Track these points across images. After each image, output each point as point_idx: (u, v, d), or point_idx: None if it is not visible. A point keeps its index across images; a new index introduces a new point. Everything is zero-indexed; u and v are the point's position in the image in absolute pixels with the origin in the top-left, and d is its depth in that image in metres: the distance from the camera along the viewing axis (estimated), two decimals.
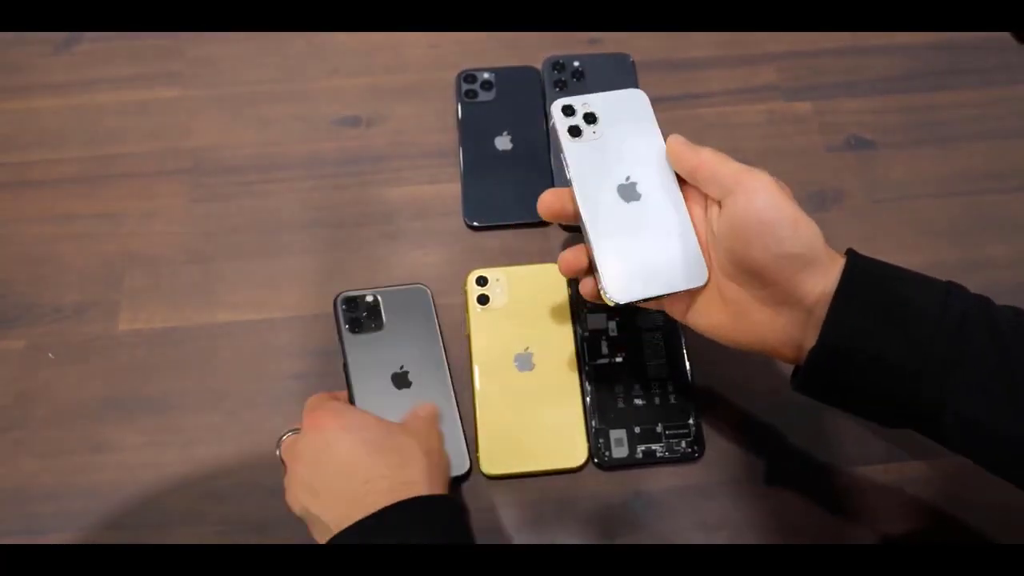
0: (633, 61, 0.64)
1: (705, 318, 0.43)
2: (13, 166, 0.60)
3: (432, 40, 0.65)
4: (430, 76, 0.64)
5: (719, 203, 0.41)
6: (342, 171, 0.60)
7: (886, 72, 0.65)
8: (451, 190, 0.59)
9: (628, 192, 0.44)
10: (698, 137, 0.61)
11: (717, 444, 0.52)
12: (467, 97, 0.62)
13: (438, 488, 0.44)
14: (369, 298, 0.53)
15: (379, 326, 0.53)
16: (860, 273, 0.38)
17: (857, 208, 0.60)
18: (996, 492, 0.42)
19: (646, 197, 0.44)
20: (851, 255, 0.39)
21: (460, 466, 0.50)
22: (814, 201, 0.60)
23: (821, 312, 0.38)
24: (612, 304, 0.42)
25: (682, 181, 0.44)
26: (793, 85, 0.64)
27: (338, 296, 0.54)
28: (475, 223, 0.58)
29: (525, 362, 0.53)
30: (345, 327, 0.53)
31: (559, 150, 0.45)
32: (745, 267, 0.40)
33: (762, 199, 0.39)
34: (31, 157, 0.60)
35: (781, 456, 0.52)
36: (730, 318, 0.42)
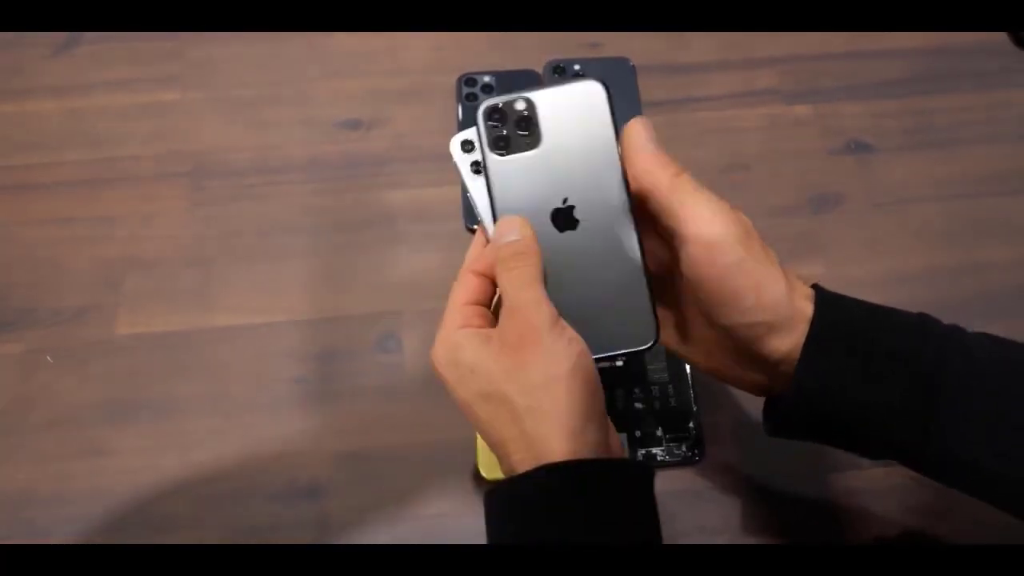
0: (633, 65, 0.64)
1: (680, 347, 0.41)
2: (12, 169, 0.60)
3: (433, 43, 0.65)
4: (431, 79, 0.64)
5: (674, 238, 0.37)
6: (343, 174, 0.60)
7: (886, 76, 0.65)
8: (452, 194, 0.59)
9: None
10: (699, 141, 0.62)
11: (717, 447, 0.52)
12: (468, 100, 0.62)
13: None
14: (520, 105, 0.37)
15: (534, 143, 0.37)
16: (826, 324, 0.36)
17: (857, 212, 0.60)
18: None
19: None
20: (818, 300, 0.37)
21: (641, 337, 0.37)
22: (814, 205, 0.60)
23: (787, 368, 0.37)
24: None
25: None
26: (793, 89, 0.64)
27: (481, 105, 0.38)
28: (476, 227, 0.58)
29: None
30: (487, 146, 0.37)
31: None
32: (708, 320, 0.38)
33: (722, 262, 0.35)
34: (30, 160, 0.60)
35: (781, 459, 0.52)
36: (698, 352, 0.40)
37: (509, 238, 0.36)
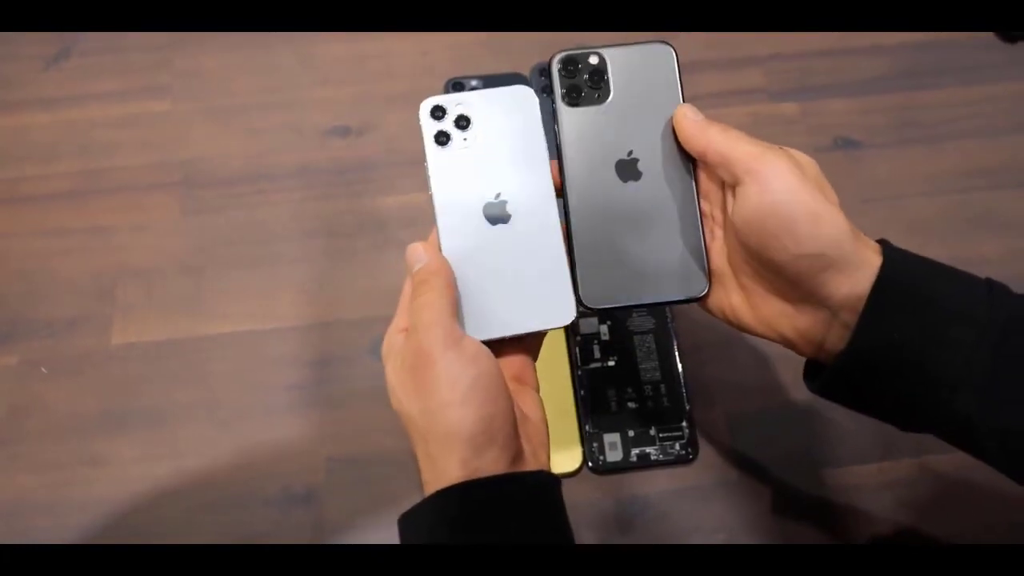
0: None
1: (717, 300, 0.39)
2: (4, 182, 0.60)
3: (419, 48, 0.66)
4: (419, 84, 0.64)
5: (732, 188, 0.37)
6: (333, 181, 0.61)
7: (871, 72, 0.65)
8: None
9: (498, 211, 0.38)
10: None
11: (711, 446, 0.52)
12: None
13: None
14: (594, 59, 0.39)
15: (604, 96, 0.39)
16: (894, 275, 0.34)
17: (846, 209, 0.58)
18: (991, 490, 0.42)
19: (516, 218, 0.38)
20: (886, 251, 0.35)
21: (696, 287, 0.39)
22: None
23: (848, 316, 0.34)
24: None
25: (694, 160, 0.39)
26: (780, 87, 0.65)
27: (555, 56, 0.40)
28: None
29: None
30: (561, 95, 0.39)
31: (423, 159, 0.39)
32: (762, 263, 0.36)
33: (777, 190, 0.34)
34: (22, 172, 0.61)
35: (775, 456, 0.52)
36: (744, 304, 0.38)
37: (416, 266, 0.37)
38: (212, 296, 0.56)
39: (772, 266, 0.35)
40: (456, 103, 0.39)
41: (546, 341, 0.53)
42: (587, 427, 0.52)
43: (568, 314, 0.38)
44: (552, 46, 0.64)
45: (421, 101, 0.62)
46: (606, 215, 0.38)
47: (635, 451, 0.51)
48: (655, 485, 0.52)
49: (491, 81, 0.63)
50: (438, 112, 0.39)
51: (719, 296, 0.39)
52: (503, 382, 0.35)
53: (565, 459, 0.51)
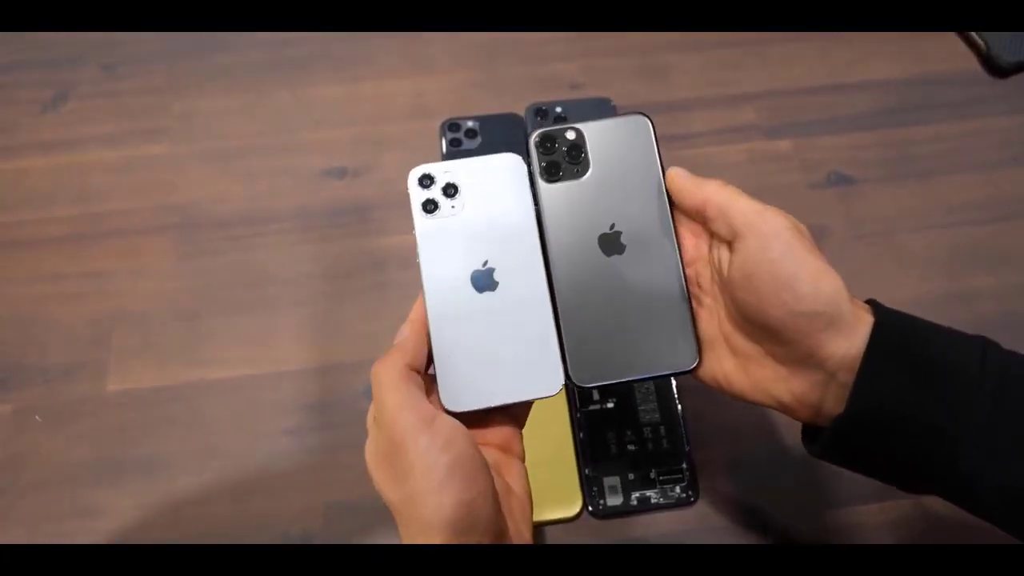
0: (614, 105, 0.65)
1: (709, 368, 0.38)
2: (0, 226, 0.60)
3: (416, 89, 0.66)
4: (414, 125, 0.64)
5: (728, 243, 0.37)
6: (330, 222, 0.61)
7: (863, 108, 0.66)
8: None
9: (486, 279, 0.38)
10: None
11: (711, 488, 0.52)
12: (452, 145, 0.63)
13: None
14: (571, 135, 0.40)
15: (583, 171, 0.40)
16: (889, 333, 0.34)
17: (840, 245, 0.60)
18: (991, 531, 0.42)
19: (504, 286, 0.38)
20: (877, 312, 0.35)
21: (685, 359, 0.38)
22: None
23: (845, 377, 0.34)
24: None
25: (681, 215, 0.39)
26: (773, 124, 0.65)
27: (532, 134, 0.40)
28: None
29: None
30: (540, 171, 0.40)
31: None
32: (758, 322, 0.35)
33: (778, 248, 0.34)
34: (18, 217, 0.61)
35: (775, 497, 0.52)
36: (738, 370, 0.38)
37: (401, 335, 0.37)
38: (209, 340, 0.56)
39: (769, 325, 0.35)
40: (444, 171, 0.39)
41: None
42: (587, 471, 0.52)
43: (555, 384, 0.37)
44: (544, 84, 0.66)
45: (416, 141, 0.64)
46: (591, 291, 0.38)
47: (635, 495, 0.51)
48: (656, 529, 0.51)
49: (487, 121, 0.64)
50: (426, 180, 0.39)
51: (711, 364, 0.38)
52: (481, 461, 0.34)
53: (565, 504, 0.51)
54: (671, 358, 0.37)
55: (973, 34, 0.68)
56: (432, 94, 0.66)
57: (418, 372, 0.36)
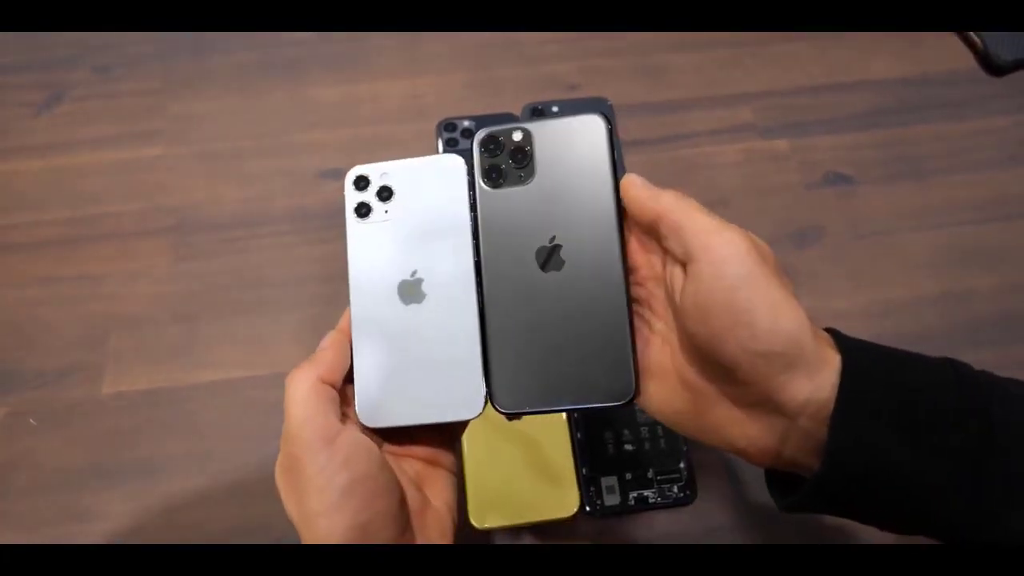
0: (611, 105, 0.65)
1: (658, 403, 0.34)
2: None
3: (412, 91, 0.66)
4: (411, 126, 0.64)
5: (682, 265, 0.32)
6: (327, 224, 0.61)
7: (861, 108, 0.66)
8: None
9: (413, 290, 0.36)
10: (678, 178, 0.62)
11: (709, 488, 0.52)
12: (448, 146, 0.63)
13: None
14: (518, 135, 0.36)
15: (527, 177, 0.36)
16: (858, 376, 0.30)
17: (838, 245, 0.60)
18: None
19: (431, 299, 0.36)
20: (841, 346, 0.31)
21: (620, 391, 0.34)
22: (795, 240, 0.60)
23: (808, 423, 0.30)
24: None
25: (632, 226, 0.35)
26: (770, 124, 0.65)
27: (477, 134, 0.37)
28: None
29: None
30: (481, 175, 0.36)
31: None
32: (711, 358, 0.31)
33: (733, 274, 0.30)
34: (12, 220, 0.60)
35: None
36: (690, 408, 0.33)
37: (322, 345, 0.35)
38: (205, 343, 0.56)
39: (723, 363, 0.31)
40: (381, 173, 0.37)
41: None
42: (584, 470, 0.51)
43: (475, 407, 0.35)
44: (541, 83, 0.66)
45: (412, 142, 0.64)
46: (523, 309, 0.34)
47: (633, 494, 0.51)
48: (653, 528, 0.51)
49: (483, 121, 0.64)
50: (361, 182, 0.37)
51: (660, 397, 0.34)
52: (385, 481, 0.33)
53: (562, 503, 0.51)
54: (604, 389, 0.33)
55: (970, 33, 0.68)
56: (428, 95, 0.66)
57: (333, 385, 0.34)
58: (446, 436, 0.38)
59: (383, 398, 0.35)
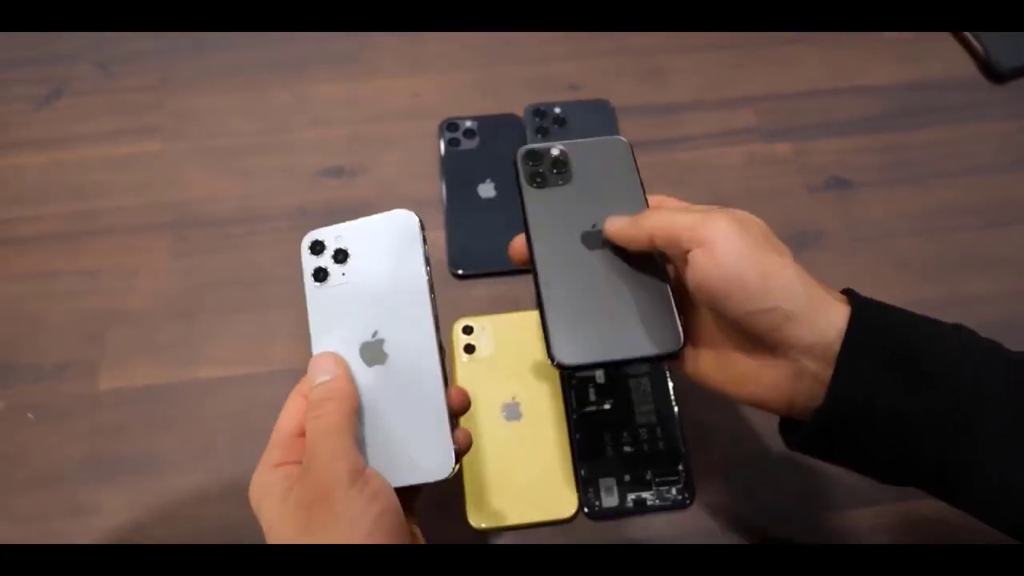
0: (613, 107, 0.65)
1: (691, 363, 0.39)
2: None
3: (413, 89, 0.66)
4: (412, 125, 0.64)
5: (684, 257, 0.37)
6: (327, 221, 0.58)
7: (861, 112, 0.66)
8: (435, 238, 0.59)
9: (375, 352, 0.37)
10: (680, 180, 0.63)
11: (708, 490, 0.52)
12: (450, 145, 0.63)
13: None
14: (555, 151, 0.42)
15: (566, 180, 0.42)
16: (865, 324, 0.34)
17: (838, 248, 0.60)
18: (992, 533, 0.42)
19: (393, 359, 0.37)
20: (853, 301, 0.35)
21: (670, 343, 0.39)
22: (795, 242, 0.60)
23: (814, 365, 0.34)
24: None
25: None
26: (772, 127, 0.65)
27: (516, 151, 0.43)
28: (460, 271, 0.58)
29: (513, 412, 0.53)
30: (527, 178, 0.42)
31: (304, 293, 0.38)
32: (724, 320, 0.37)
33: (722, 253, 0.35)
34: (11, 214, 0.60)
35: (772, 500, 0.52)
36: (717, 366, 0.38)
37: (320, 379, 0.36)
38: (203, 339, 0.56)
39: (731, 322, 0.36)
40: (336, 236, 0.38)
41: (541, 385, 0.54)
42: (582, 472, 0.51)
43: (446, 467, 0.35)
44: (543, 84, 0.66)
45: (414, 141, 0.63)
46: (575, 281, 0.39)
47: (631, 496, 0.51)
48: (651, 531, 0.51)
49: (486, 121, 0.64)
50: (317, 247, 0.38)
51: (692, 358, 0.39)
52: (403, 518, 0.34)
53: (560, 505, 0.50)
54: (655, 341, 0.38)
55: (972, 39, 0.68)
56: (430, 94, 0.66)
57: (355, 414, 0.35)
58: (410, 493, 0.38)
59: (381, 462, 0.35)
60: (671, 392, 0.54)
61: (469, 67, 0.67)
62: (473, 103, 0.65)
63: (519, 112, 0.64)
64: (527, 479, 0.51)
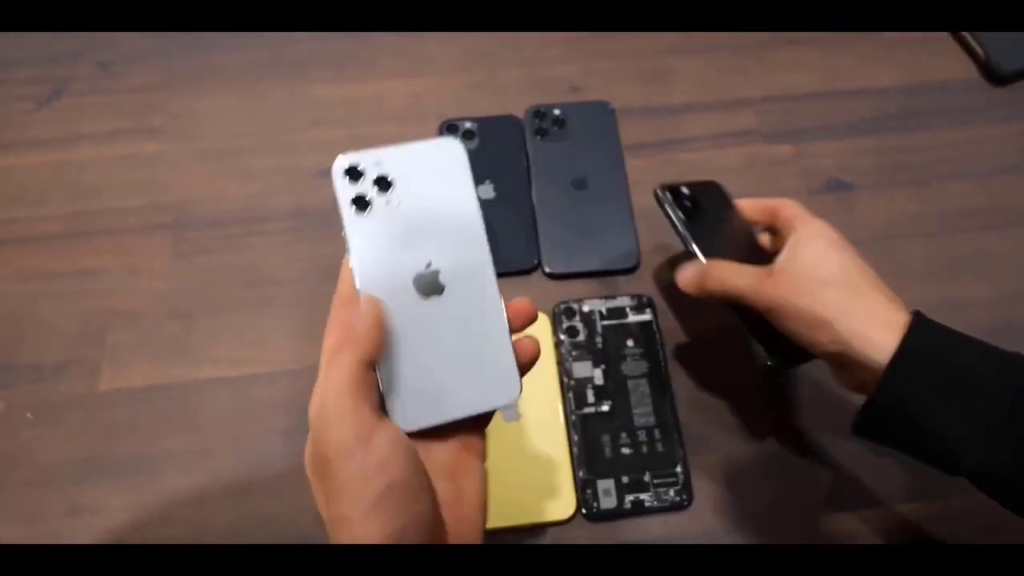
0: (613, 108, 0.65)
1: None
2: None
3: (412, 90, 0.66)
4: (412, 126, 0.64)
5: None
6: (326, 223, 0.60)
7: (862, 115, 0.66)
8: None
9: (431, 283, 0.34)
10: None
11: (706, 492, 0.52)
12: None
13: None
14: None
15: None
16: (916, 348, 0.40)
17: None
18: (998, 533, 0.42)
19: (451, 289, 0.34)
20: (914, 322, 0.41)
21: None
22: None
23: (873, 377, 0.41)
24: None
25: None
26: (772, 129, 0.65)
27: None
28: None
29: (511, 413, 0.53)
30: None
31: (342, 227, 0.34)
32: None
33: (821, 273, 0.45)
34: (11, 214, 0.60)
35: (770, 501, 0.52)
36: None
37: (361, 321, 0.32)
38: (203, 340, 0.56)
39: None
40: (375, 162, 0.34)
41: (539, 386, 0.54)
42: (580, 473, 0.51)
43: (513, 390, 0.34)
44: (543, 86, 0.66)
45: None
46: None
47: (629, 497, 0.51)
48: (649, 532, 0.51)
49: (485, 123, 0.64)
50: (354, 173, 0.34)
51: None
52: (420, 483, 0.31)
53: (559, 506, 0.51)
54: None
55: (972, 42, 0.68)
56: (430, 95, 0.66)
57: (373, 366, 0.32)
58: (480, 426, 0.36)
59: (417, 399, 0.33)
60: (670, 394, 0.54)
61: (469, 68, 0.67)
62: (473, 104, 0.65)
63: (519, 113, 0.64)
64: (525, 480, 0.51)
